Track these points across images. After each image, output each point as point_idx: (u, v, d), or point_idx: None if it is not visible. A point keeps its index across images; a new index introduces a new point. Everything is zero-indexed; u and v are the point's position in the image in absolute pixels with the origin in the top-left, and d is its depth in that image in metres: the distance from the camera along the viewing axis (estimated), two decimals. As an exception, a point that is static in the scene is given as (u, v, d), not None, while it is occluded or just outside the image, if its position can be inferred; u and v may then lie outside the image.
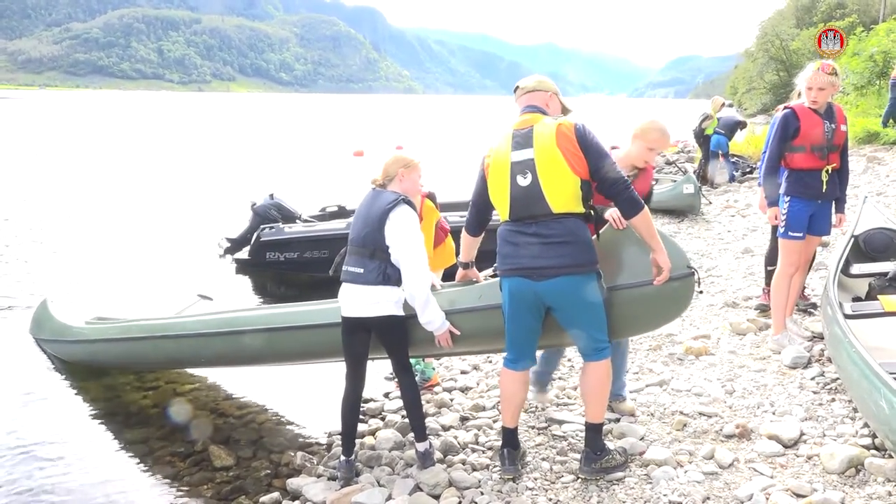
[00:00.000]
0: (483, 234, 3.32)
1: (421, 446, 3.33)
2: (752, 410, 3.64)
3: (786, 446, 3.23)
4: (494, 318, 3.19)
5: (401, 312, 3.23)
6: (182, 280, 8.16)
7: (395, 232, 3.17)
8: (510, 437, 3.18)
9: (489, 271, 3.84)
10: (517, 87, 3.18)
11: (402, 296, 3.25)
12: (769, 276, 5.11)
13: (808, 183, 4.21)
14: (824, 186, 4.20)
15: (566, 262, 2.86)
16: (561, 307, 2.93)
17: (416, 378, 4.36)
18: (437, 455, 3.43)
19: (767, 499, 2.81)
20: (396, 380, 3.46)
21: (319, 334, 3.66)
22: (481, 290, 3.33)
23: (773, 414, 3.57)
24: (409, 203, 3.26)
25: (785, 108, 4.29)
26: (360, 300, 3.22)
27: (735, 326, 4.86)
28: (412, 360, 3.57)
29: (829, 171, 4.20)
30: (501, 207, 3.01)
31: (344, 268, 3.31)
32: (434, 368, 4.54)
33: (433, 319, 3.21)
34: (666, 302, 3.12)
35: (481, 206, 3.19)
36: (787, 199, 4.26)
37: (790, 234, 4.26)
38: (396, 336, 3.28)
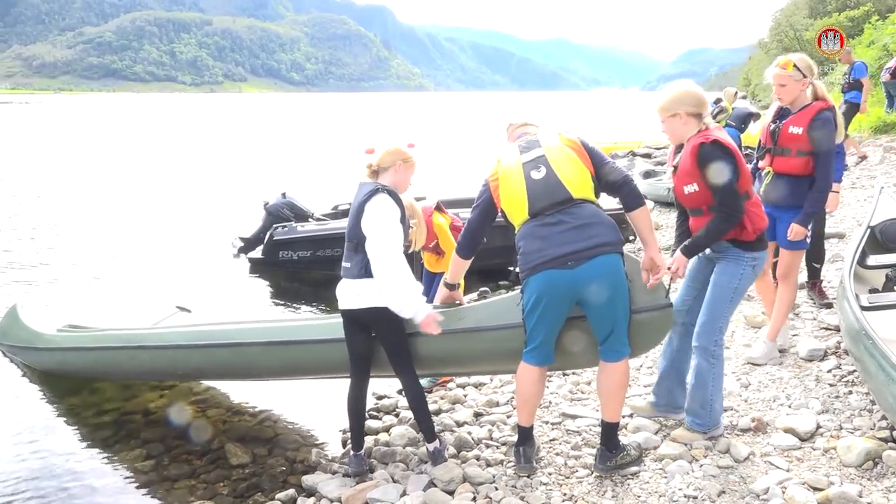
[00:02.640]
0: (472, 259, 3.30)
1: (431, 446, 3.32)
2: (768, 404, 3.61)
3: (802, 439, 3.21)
4: (474, 342, 3.24)
5: (383, 304, 3.19)
6: (196, 280, 8.23)
7: (369, 220, 3.13)
8: (526, 435, 3.16)
9: (474, 295, 3.82)
10: (509, 125, 3.35)
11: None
12: (812, 272, 5.06)
13: (767, 186, 3.98)
14: (762, 188, 3.97)
15: (599, 242, 2.81)
16: (597, 291, 2.82)
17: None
18: (451, 451, 3.43)
19: (784, 492, 2.79)
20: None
21: (298, 350, 3.62)
22: (463, 314, 3.31)
23: (789, 407, 3.54)
24: (391, 193, 3.22)
25: None
26: (349, 293, 3.26)
27: (750, 319, 4.83)
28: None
29: (773, 176, 3.91)
30: (518, 207, 2.94)
31: (340, 262, 3.36)
32: None
33: (404, 307, 3.12)
34: (645, 331, 3.06)
35: (479, 227, 3.18)
36: None
37: None
38: (387, 328, 3.23)
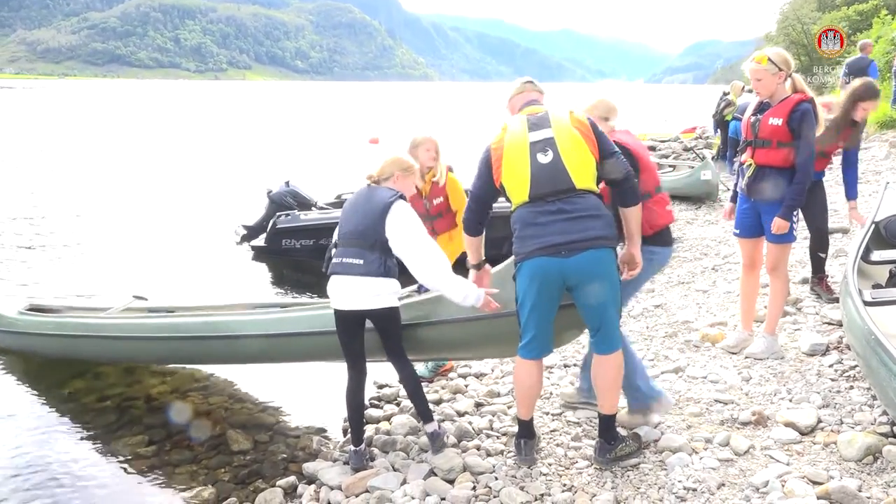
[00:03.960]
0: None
1: (429, 427, 3.35)
2: (769, 398, 3.61)
3: (802, 433, 3.21)
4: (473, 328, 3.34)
5: (398, 303, 3.32)
6: (198, 267, 8.25)
7: (400, 226, 3.22)
8: (526, 428, 3.16)
9: (414, 287, 3.79)
10: (525, 82, 3.23)
11: (399, 288, 3.30)
12: (817, 263, 5.04)
13: (739, 178, 4.09)
14: (744, 181, 3.99)
15: (595, 235, 2.82)
16: (587, 283, 2.85)
17: (431, 364, 4.41)
18: (452, 440, 3.44)
19: (783, 486, 2.79)
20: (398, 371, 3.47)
21: (233, 344, 3.96)
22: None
23: (790, 401, 3.54)
24: (406, 201, 3.34)
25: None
26: (358, 292, 3.21)
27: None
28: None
29: (756, 168, 3.91)
30: (519, 188, 2.90)
31: (336, 260, 3.28)
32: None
33: (468, 294, 3.17)
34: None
35: (484, 199, 3.08)
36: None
37: (733, 230, 4.25)
38: (395, 326, 3.31)
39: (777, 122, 3.82)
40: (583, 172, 2.88)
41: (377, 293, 3.20)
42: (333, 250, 3.34)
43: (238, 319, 4.06)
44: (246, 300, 5.10)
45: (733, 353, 4.19)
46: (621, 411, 3.45)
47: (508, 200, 3.00)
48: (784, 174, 3.86)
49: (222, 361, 4.52)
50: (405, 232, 3.22)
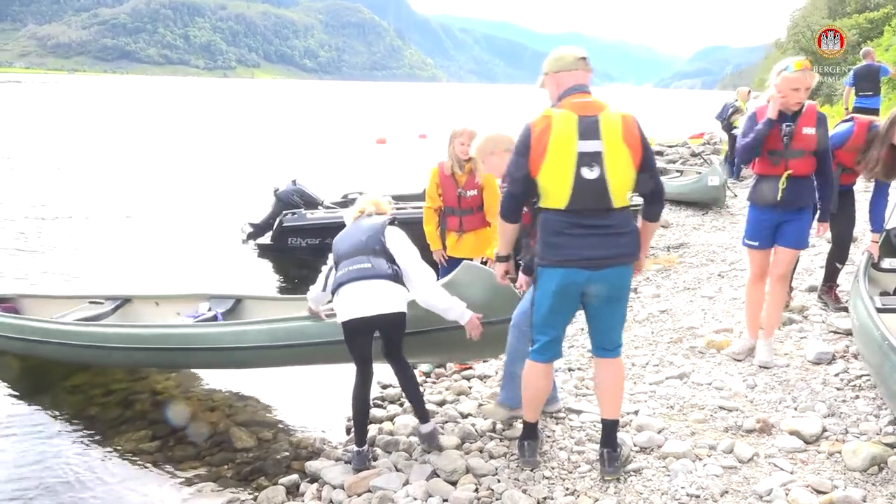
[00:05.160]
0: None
1: (425, 428, 3.38)
2: (774, 405, 3.60)
3: (807, 442, 3.20)
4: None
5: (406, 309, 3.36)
6: (205, 264, 8.27)
7: (399, 239, 3.40)
8: (532, 430, 3.17)
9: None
10: (580, 58, 2.87)
11: (407, 294, 3.35)
12: (832, 273, 5.01)
13: (763, 190, 3.94)
14: (779, 194, 3.91)
15: (623, 252, 2.82)
16: (610, 295, 2.86)
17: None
18: (455, 441, 3.44)
19: (787, 494, 2.78)
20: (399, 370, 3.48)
21: (171, 355, 4.29)
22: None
23: (795, 409, 3.53)
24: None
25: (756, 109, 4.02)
26: (376, 296, 3.21)
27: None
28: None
29: (788, 179, 3.86)
30: (557, 196, 2.76)
31: (342, 272, 3.26)
32: None
33: (462, 313, 3.34)
34: (495, 340, 3.51)
35: (527, 183, 2.81)
36: (748, 205, 4.11)
37: (746, 241, 4.11)
38: (403, 331, 3.35)
39: (811, 131, 3.84)
40: (622, 191, 2.81)
41: (393, 297, 3.24)
42: (334, 271, 3.34)
43: (186, 332, 4.27)
44: (203, 291, 5.27)
45: (738, 361, 4.18)
46: (488, 403, 3.73)
47: (535, 194, 2.86)
48: (810, 181, 3.94)
49: (172, 369, 4.87)
50: (404, 244, 3.40)
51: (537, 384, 3.04)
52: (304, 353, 3.86)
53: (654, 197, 2.96)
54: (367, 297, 3.21)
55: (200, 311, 4.95)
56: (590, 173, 2.73)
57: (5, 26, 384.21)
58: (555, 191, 2.77)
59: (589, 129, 2.74)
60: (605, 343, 2.98)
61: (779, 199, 3.91)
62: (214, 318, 4.79)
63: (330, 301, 3.45)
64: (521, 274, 3.39)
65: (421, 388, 3.74)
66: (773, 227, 4.00)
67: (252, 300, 5.11)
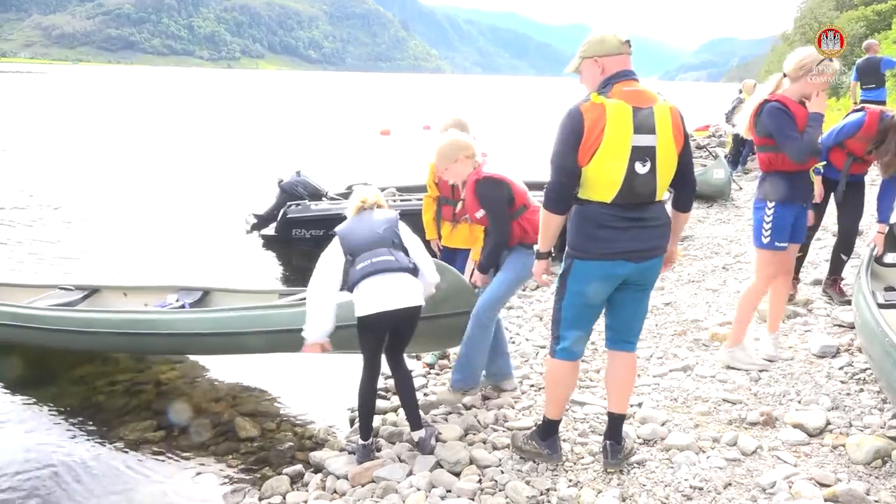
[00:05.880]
0: None
1: (417, 434, 3.35)
2: (778, 399, 3.60)
3: (811, 435, 3.20)
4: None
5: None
6: (208, 255, 8.28)
7: (410, 235, 3.43)
8: (555, 427, 3.12)
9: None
10: (624, 42, 2.73)
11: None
12: (837, 265, 4.98)
13: (799, 185, 3.78)
14: (815, 187, 3.90)
15: (661, 244, 2.83)
16: (644, 287, 2.87)
17: (437, 353, 4.48)
18: (458, 432, 3.44)
19: (790, 487, 2.78)
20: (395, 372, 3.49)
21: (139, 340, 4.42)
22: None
23: (799, 402, 3.52)
24: None
25: (774, 100, 3.72)
26: (402, 288, 3.20)
27: (762, 314, 4.78)
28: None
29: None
30: (605, 189, 2.67)
31: (364, 264, 3.19)
32: None
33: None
34: (453, 330, 3.77)
35: (578, 173, 2.68)
36: (772, 205, 3.79)
37: (777, 244, 3.79)
38: (415, 327, 3.37)
39: None
40: (667, 184, 2.79)
41: (416, 290, 3.26)
42: (357, 264, 3.22)
43: (153, 318, 4.42)
44: (173, 283, 5.40)
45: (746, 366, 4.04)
46: (442, 388, 3.86)
47: (575, 181, 2.71)
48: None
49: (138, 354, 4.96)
50: (414, 238, 3.45)
51: (566, 382, 3.00)
52: (256, 342, 4.11)
53: (688, 187, 2.94)
54: (394, 289, 3.18)
55: (168, 303, 5.03)
56: (642, 168, 2.65)
57: (10, 16, 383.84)
58: (603, 183, 2.67)
59: (644, 122, 2.63)
60: (627, 335, 2.96)
61: (815, 192, 3.87)
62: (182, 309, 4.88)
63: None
64: (476, 272, 3.69)
65: (418, 393, 3.75)
66: (791, 223, 3.84)
67: (220, 292, 5.18)
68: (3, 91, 47.68)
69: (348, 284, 3.24)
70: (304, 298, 3.83)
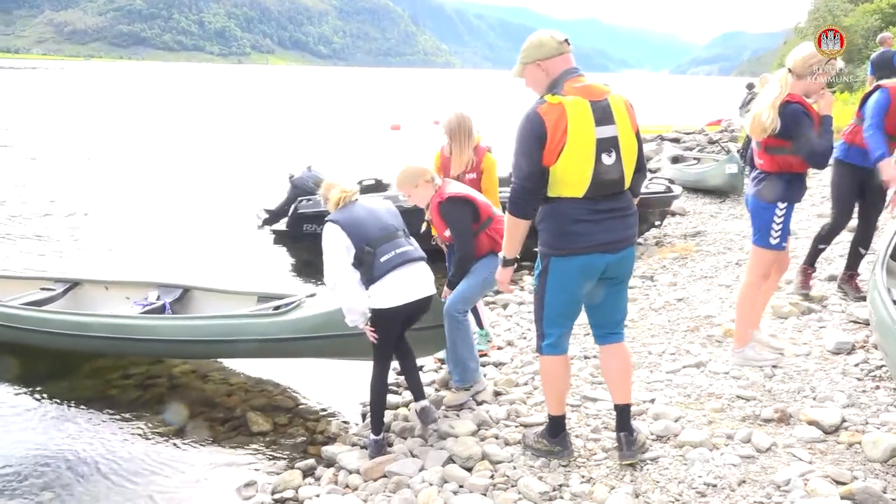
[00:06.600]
0: None
1: (419, 405, 3.45)
2: (792, 395, 3.57)
3: (826, 432, 3.17)
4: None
5: None
6: (219, 250, 8.31)
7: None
8: (562, 424, 3.13)
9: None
10: (562, 41, 2.77)
11: None
12: (816, 254, 4.95)
13: (800, 187, 3.78)
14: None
15: (634, 233, 2.89)
16: (622, 277, 2.93)
17: (486, 334, 4.62)
18: (471, 427, 3.44)
19: (806, 484, 2.76)
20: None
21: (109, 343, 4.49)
22: None
23: (814, 399, 3.49)
24: None
25: (795, 101, 3.58)
26: (424, 278, 3.35)
27: (777, 309, 4.76)
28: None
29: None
30: (575, 185, 2.69)
31: (391, 254, 3.23)
32: (490, 339, 4.66)
33: None
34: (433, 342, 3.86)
35: (543, 175, 2.71)
36: (783, 206, 3.70)
37: (783, 244, 3.77)
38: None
39: None
40: (631, 172, 2.83)
41: (431, 278, 3.39)
42: (380, 255, 3.22)
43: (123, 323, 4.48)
44: (154, 279, 5.43)
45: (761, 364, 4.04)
46: (448, 393, 3.85)
47: (540, 184, 2.74)
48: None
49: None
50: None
51: (559, 376, 3.03)
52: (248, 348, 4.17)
53: (642, 171, 2.98)
54: (418, 279, 3.30)
55: (149, 299, 5.06)
56: (608, 159, 2.71)
57: (23, 13, 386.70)
58: (573, 180, 2.70)
59: (602, 114, 2.69)
60: (611, 325, 3.00)
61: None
62: (162, 307, 4.96)
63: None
64: (445, 288, 3.77)
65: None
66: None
67: (200, 291, 5.19)
68: (27, 87, 48.03)
69: (373, 276, 3.23)
70: (280, 307, 4.11)
